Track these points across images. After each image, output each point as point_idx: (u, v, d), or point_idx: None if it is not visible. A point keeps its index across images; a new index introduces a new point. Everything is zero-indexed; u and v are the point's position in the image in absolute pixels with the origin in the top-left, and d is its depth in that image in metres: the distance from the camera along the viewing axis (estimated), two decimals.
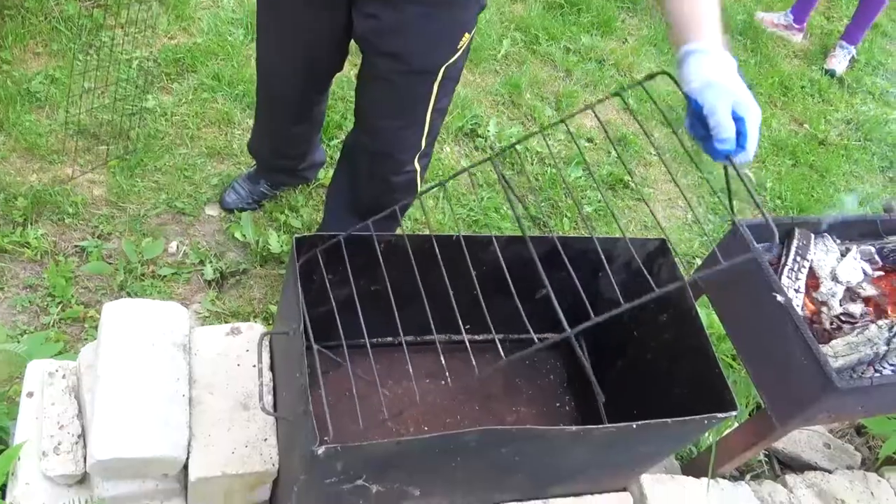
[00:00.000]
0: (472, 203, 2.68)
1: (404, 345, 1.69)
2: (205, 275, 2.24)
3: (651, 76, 1.18)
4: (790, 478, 2.05)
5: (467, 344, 1.66)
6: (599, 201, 2.86)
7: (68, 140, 2.42)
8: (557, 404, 1.77)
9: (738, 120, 1.08)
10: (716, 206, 3.03)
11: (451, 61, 1.66)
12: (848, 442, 2.32)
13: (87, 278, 2.15)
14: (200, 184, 2.44)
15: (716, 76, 1.08)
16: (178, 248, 2.29)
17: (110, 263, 2.19)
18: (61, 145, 2.40)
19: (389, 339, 1.74)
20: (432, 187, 1.35)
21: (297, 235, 1.34)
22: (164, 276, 2.21)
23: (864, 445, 2.35)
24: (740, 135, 1.08)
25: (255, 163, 2.40)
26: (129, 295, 2.13)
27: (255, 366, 1.52)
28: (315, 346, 1.55)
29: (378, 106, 1.77)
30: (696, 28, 1.10)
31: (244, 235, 2.33)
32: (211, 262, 2.26)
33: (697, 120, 1.10)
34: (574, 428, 1.28)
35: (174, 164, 2.46)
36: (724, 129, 1.06)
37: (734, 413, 1.37)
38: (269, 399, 1.50)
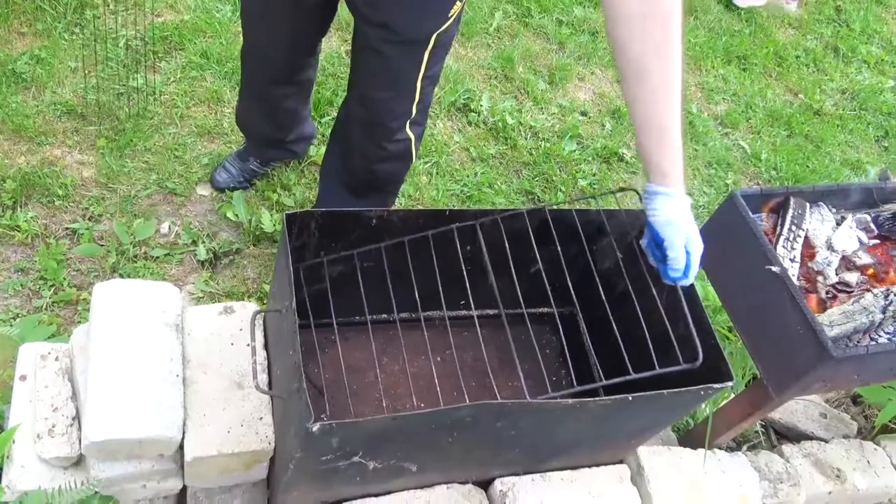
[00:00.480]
0: (465, 178, 2.66)
1: (398, 322, 1.70)
2: (198, 255, 2.22)
3: (622, 189, 1.77)
4: (787, 448, 2.06)
5: (475, 319, 1.66)
6: (594, 174, 2.84)
7: (56, 121, 2.39)
8: (554, 378, 1.76)
9: (686, 253, 1.31)
10: (711, 178, 3.01)
11: (442, 29, 1.64)
12: (844, 411, 2.33)
13: (79, 261, 2.14)
14: (191, 163, 2.41)
15: (676, 216, 1.29)
16: (169, 228, 2.27)
17: (102, 245, 2.17)
18: (49, 126, 2.38)
19: (384, 315, 1.73)
20: None
21: (287, 212, 1.33)
22: (157, 258, 2.19)
23: (860, 415, 2.36)
24: (686, 266, 1.32)
25: (244, 140, 2.38)
26: (121, 277, 2.12)
27: (248, 345, 1.51)
28: (313, 322, 1.54)
29: (369, 75, 1.76)
30: (665, 172, 1.27)
31: (236, 215, 2.31)
32: (203, 242, 2.25)
33: (655, 245, 1.34)
34: (570, 401, 1.28)
35: (164, 144, 2.44)
36: (679, 262, 1.30)
37: (730, 384, 1.37)
38: (263, 378, 1.50)
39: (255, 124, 2.26)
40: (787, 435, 2.25)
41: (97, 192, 2.28)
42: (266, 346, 1.58)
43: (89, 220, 2.22)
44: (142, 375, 1.39)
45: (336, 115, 2.09)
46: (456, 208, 1.49)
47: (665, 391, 1.32)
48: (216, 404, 1.43)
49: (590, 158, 2.89)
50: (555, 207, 1.58)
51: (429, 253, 1.58)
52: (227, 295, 2.17)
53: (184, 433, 1.39)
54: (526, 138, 2.90)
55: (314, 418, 1.12)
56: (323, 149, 2.52)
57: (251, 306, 1.61)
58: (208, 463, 1.39)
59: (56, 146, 2.35)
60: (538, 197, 2.71)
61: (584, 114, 3.07)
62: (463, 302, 1.65)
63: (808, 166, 3.18)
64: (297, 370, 1.17)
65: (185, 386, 1.44)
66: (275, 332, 1.50)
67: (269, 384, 1.51)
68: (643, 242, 1.38)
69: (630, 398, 1.30)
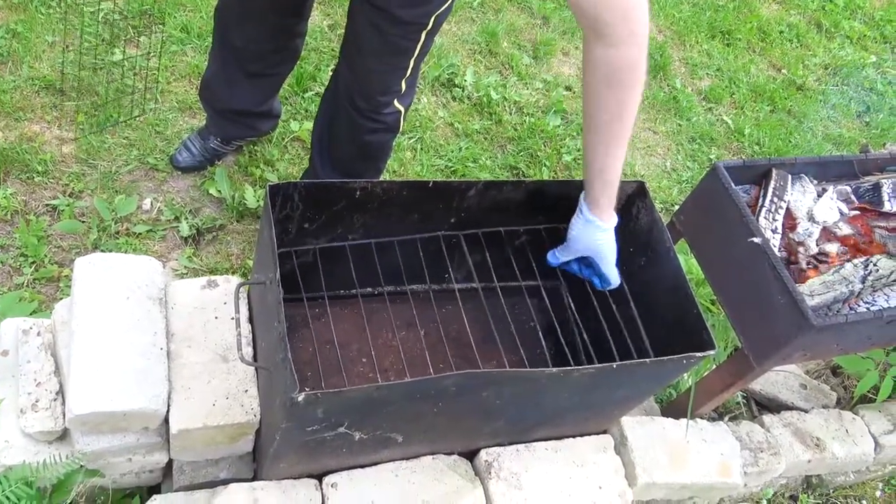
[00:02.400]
0: (450, 153, 2.66)
1: (386, 295, 1.70)
2: (180, 231, 2.21)
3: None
4: (767, 418, 2.09)
5: (456, 293, 1.66)
6: (578, 149, 2.84)
7: (34, 96, 2.36)
8: (538, 350, 1.77)
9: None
10: (694, 152, 3.02)
11: (441, 10, 1.65)
12: (824, 382, 2.36)
13: (60, 237, 2.12)
14: (172, 139, 2.39)
15: (601, 242, 1.46)
16: (151, 204, 2.25)
17: (83, 222, 2.15)
18: (27, 102, 2.34)
19: (369, 289, 1.73)
20: None
21: (270, 183, 1.32)
22: (139, 234, 2.17)
23: (840, 385, 2.40)
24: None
25: (206, 118, 2.30)
26: (103, 253, 2.10)
27: (232, 318, 1.51)
28: (298, 295, 1.54)
29: (365, 50, 1.75)
30: (598, 204, 1.41)
31: (219, 191, 2.29)
32: (186, 218, 2.23)
33: (583, 262, 1.53)
34: (554, 370, 1.29)
35: (145, 120, 2.41)
36: (615, 278, 1.51)
37: (713, 352, 1.39)
38: (248, 350, 1.49)
39: (225, 93, 2.14)
40: (767, 406, 2.28)
41: (77, 168, 2.26)
42: (251, 320, 1.57)
43: (70, 196, 2.20)
44: (125, 349, 1.39)
45: (321, 90, 2.07)
46: (440, 180, 1.49)
47: (648, 359, 1.33)
48: (201, 377, 1.43)
49: (574, 133, 2.89)
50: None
51: (414, 225, 1.58)
52: (211, 271, 2.16)
53: (169, 406, 1.38)
54: (510, 113, 2.89)
55: (299, 388, 1.12)
56: (296, 125, 2.51)
57: (235, 280, 1.61)
58: (194, 436, 1.39)
59: (34, 122, 2.31)
60: (523, 172, 2.71)
61: (568, 88, 3.06)
62: (447, 275, 1.65)
63: (790, 141, 3.20)
64: (281, 341, 1.17)
65: (169, 359, 1.43)
66: (259, 305, 1.50)
67: (255, 357, 1.51)
68: (558, 256, 1.52)
69: (614, 366, 1.31)
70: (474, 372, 1.24)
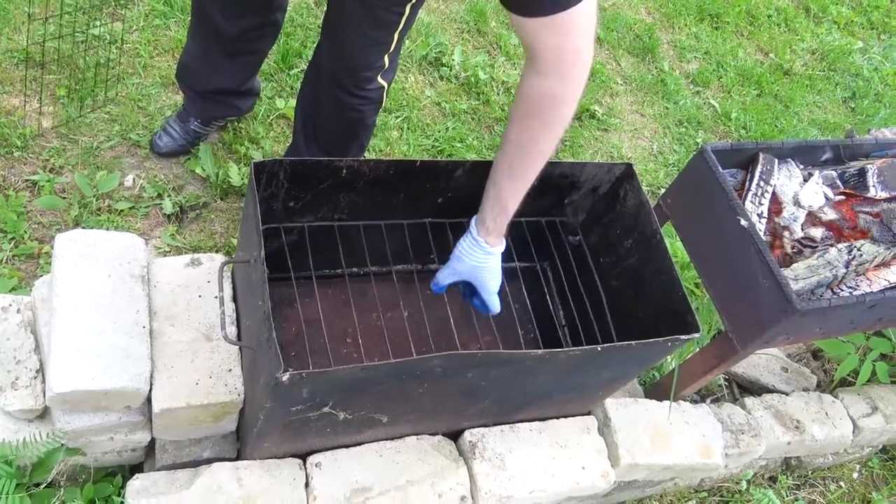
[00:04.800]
0: (437, 133, 2.64)
1: (372, 275, 1.69)
2: (164, 209, 2.18)
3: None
4: (749, 400, 2.11)
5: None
6: (566, 131, 2.82)
7: (13, 69, 2.31)
8: (522, 332, 1.78)
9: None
10: (681, 136, 3.02)
11: None
12: (804, 366, 2.39)
13: (40, 213, 2.08)
14: (155, 115, 2.35)
15: (487, 266, 1.43)
16: (134, 181, 2.22)
17: (64, 198, 2.11)
18: (5, 75, 2.29)
19: (355, 269, 1.72)
20: None
21: (255, 161, 1.30)
22: (121, 211, 2.14)
23: (820, 369, 2.42)
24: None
25: (183, 100, 2.25)
26: (84, 230, 2.07)
27: (216, 296, 1.50)
28: (283, 275, 1.53)
29: (348, 24, 1.72)
30: (488, 228, 1.38)
31: (203, 169, 2.26)
32: (169, 195, 2.20)
33: (468, 288, 1.50)
34: (539, 351, 1.29)
35: (127, 95, 2.37)
36: (496, 305, 1.49)
37: (697, 335, 1.39)
38: (232, 329, 1.48)
39: (205, 73, 2.09)
40: (749, 388, 2.30)
41: (58, 143, 2.22)
42: (235, 299, 1.56)
43: (50, 171, 2.16)
44: (107, 327, 1.37)
45: (306, 66, 2.04)
46: (427, 160, 1.47)
47: (633, 342, 1.33)
48: (184, 356, 1.42)
49: None
50: None
51: (400, 204, 1.57)
52: (194, 249, 2.14)
53: (151, 385, 1.37)
54: (498, 94, 2.87)
55: (283, 368, 1.11)
56: (282, 102, 2.48)
57: (219, 258, 1.59)
58: (177, 415, 1.38)
59: (14, 95, 2.27)
60: None
61: None
62: (433, 256, 1.64)
63: (776, 126, 3.20)
64: (266, 320, 1.16)
65: (151, 338, 1.42)
66: (244, 284, 1.48)
67: (238, 336, 1.49)
68: (439, 280, 1.49)
69: (599, 349, 1.32)
70: (461, 353, 1.23)
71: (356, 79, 1.81)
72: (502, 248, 1.43)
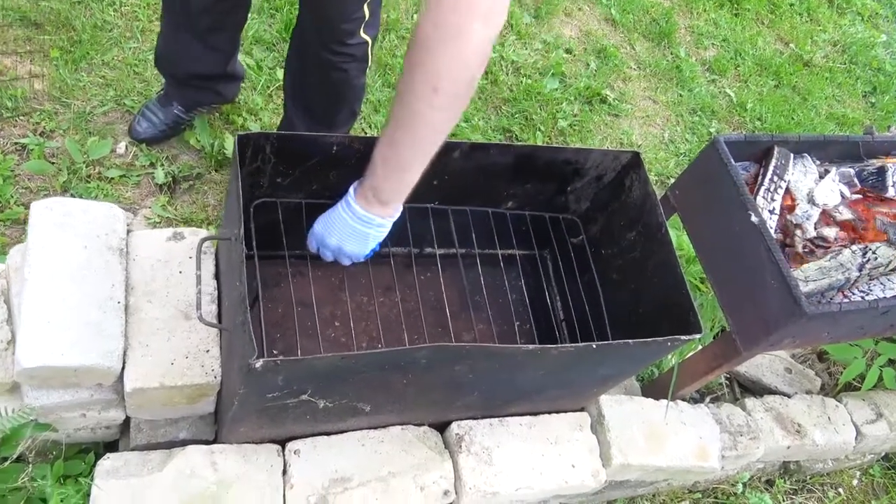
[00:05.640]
0: None
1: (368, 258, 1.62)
2: (156, 178, 2.11)
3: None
4: (749, 401, 2.05)
5: (437, 258, 1.58)
6: (575, 115, 2.74)
7: (6, 28, 2.24)
8: (518, 322, 1.71)
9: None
10: (694, 125, 2.93)
11: None
12: (809, 367, 2.32)
13: (28, 178, 2.02)
14: (152, 81, 2.28)
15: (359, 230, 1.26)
16: (126, 148, 2.15)
17: (53, 163, 2.05)
18: None
19: None
20: None
21: (240, 133, 1.23)
22: (111, 178, 2.08)
23: (825, 371, 2.35)
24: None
25: (163, 83, 2.14)
26: (73, 196, 2.01)
27: (196, 273, 1.43)
28: (286, 254, 1.46)
29: None
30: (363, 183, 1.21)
31: (198, 139, 2.19)
32: (162, 165, 2.14)
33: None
34: (530, 347, 1.22)
35: (123, 59, 2.30)
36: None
37: (698, 336, 1.32)
38: (212, 309, 1.42)
39: (182, 58, 1.98)
40: (750, 388, 2.23)
41: (50, 106, 2.15)
42: (217, 277, 1.50)
43: (40, 135, 2.09)
44: (80, 300, 1.31)
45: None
46: None
47: (631, 340, 1.27)
48: (160, 334, 1.36)
49: (571, 98, 2.79)
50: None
51: None
52: (185, 221, 2.07)
53: (124, 363, 1.31)
54: (507, 74, 2.78)
55: (257, 354, 1.05)
56: (281, 73, 2.39)
57: (202, 233, 1.52)
58: (150, 395, 1.33)
59: (6, 55, 2.20)
60: (516, 135, 2.61)
61: (568, 51, 2.95)
62: (429, 237, 1.58)
63: (793, 118, 3.11)
64: (241, 302, 1.10)
65: (127, 314, 1.36)
66: (226, 262, 1.42)
67: (219, 317, 1.43)
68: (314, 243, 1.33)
69: (594, 346, 1.25)
70: (446, 345, 1.17)
71: (337, 33, 1.72)
72: (392, 216, 1.25)
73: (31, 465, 1.40)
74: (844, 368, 2.21)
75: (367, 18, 1.72)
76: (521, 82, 2.76)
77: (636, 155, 1.51)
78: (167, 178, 2.12)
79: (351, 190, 1.24)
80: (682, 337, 1.31)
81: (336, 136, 1.31)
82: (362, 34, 1.75)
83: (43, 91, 2.17)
